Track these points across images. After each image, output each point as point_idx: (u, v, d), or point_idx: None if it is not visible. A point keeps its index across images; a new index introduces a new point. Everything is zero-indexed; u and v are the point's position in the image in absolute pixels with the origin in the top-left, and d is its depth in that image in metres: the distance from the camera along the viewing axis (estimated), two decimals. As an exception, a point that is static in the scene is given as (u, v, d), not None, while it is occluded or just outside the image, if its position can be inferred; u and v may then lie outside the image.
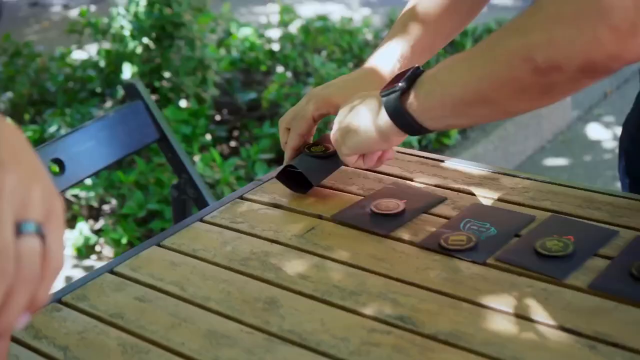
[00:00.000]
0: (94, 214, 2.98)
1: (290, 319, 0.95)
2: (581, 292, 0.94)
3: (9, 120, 0.61)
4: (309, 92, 1.26)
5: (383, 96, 1.04)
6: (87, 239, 2.75)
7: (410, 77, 1.02)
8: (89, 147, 1.63)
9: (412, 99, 1.01)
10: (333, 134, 1.13)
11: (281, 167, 1.25)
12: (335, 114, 1.18)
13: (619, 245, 1.03)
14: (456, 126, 1.11)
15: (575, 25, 0.83)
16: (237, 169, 2.87)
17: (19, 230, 0.53)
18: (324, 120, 1.38)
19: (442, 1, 1.25)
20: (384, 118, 1.05)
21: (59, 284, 0.98)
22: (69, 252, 2.79)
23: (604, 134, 3.89)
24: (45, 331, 0.98)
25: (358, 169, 1.24)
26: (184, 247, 1.13)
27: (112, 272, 1.09)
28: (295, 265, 1.06)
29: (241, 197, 1.26)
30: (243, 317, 0.96)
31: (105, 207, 2.97)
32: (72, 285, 1.07)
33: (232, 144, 3.33)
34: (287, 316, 0.95)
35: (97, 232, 2.83)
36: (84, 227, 2.79)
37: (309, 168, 1.21)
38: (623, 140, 1.33)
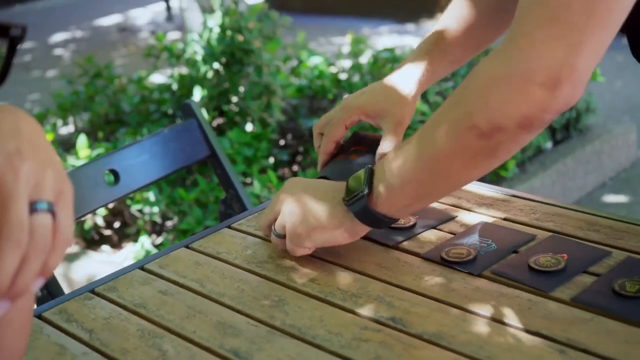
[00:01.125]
0: (157, 229, 3.13)
1: (293, 315, 1.04)
2: (563, 304, 1.01)
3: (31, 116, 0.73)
4: (342, 100, 1.34)
5: (349, 205, 1.07)
6: (147, 252, 2.90)
7: (368, 179, 1.06)
8: (143, 160, 1.75)
9: (376, 199, 1.05)
10: (293, 227, 1.13)
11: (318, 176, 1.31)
12: (366, 120, 1.28)
13: (610, 265, 1.09)
14: (423, 207, 1.18)
15: (507, 86, 0.91)
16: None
17: (33, 208, 0.64)
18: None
19: (475, 12, 1.29)
20: (353, 221, 1.08)
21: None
22: (131, 260, 2.95)
23: (671, 172, 3.87)
24: (75, 316, 1.10)
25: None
26: (209, 250, 1.24)
27: (142, 268, 1.21)
28: (306, 270, 1.15)
29: (268, 208, 1.37)
30: (251, 311, 1.06)
31: (168, 223, 3.12)
32: (105, 278, 1.19)
33: (294, 168, 3.44)
34: (291, 312, 1.05)
35: (158, 247, 2.98)
36: (145, 241, 2.94)
37: (339, 175, 1.26)
38: None
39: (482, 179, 1.27)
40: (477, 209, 1.29)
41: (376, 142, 1.27)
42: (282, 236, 1.15)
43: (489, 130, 0.94)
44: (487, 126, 0.94)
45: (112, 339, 1.03)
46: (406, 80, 1.28)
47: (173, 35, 7.06)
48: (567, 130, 4.09)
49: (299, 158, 3.51)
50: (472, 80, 0.97)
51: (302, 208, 1.12)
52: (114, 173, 1.69)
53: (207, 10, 3.95)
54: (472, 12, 1.29)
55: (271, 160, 3.30)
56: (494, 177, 3.34)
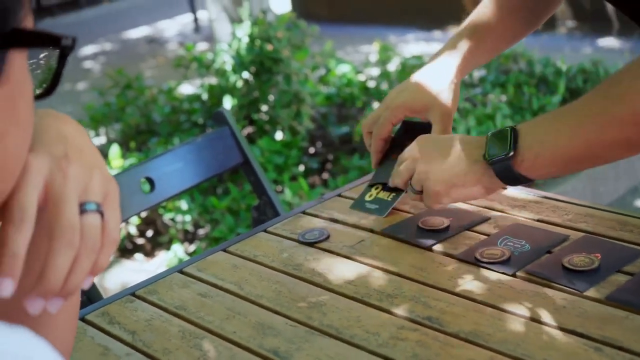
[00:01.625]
0: (189, 237, 3.16)
1: (330, 316, 1.06)
2: (598, 303, 1.02)
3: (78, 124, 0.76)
4: (387, 97, 1.37)
5: (493, 163, 1.09)
6: (180, 260, 2.93)
7: (513, 141, 1.07)
8: (177, 167, 1.78)
9: (521, 162, 1.06)
10: (432, 187, 1.15)
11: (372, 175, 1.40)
12: (412, 116, 1.32)
13: (643, 264, 1.10)
14: (565, 175, 1.22)
15: None
16: (322, 199, 3.01)
17: (82, 209, 0.67)
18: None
19: (508, 6, 1.32)
20: (492, 178, 1.10)
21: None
22: (163, 268, 2.98)
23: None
24: (118, 318, 1.12)
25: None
26: (246, 253, 1.26)
27: (181, 272, 1.23)
28: (342, 272, 1.17)
29: (304, 212, 1.39)
30: (289, 312, 1.08)
31: (200, 232, 3.15)
32: (145, 282, 1.22)
33: (324, 175, 3.47)
34: (329, 313, 1.07)
35: (190, 255, 3.01)
36: (178, 249, 2.97)
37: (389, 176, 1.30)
38: None
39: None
40: (509, 210, 1.30)
41: (426, 129, 1.30)
42: (419, 192, 1.18)
43: None
44: None
45: (155, 340, 1.06)
46: (445, 69, 1.32)
47: (201, 47, 7.12)
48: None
49: (329, 166, 3.53)
50: (636, 77, 0.97)
51: (440, 166, 1.15)
52: (150, 181, 1.72)
53: (235, 20, 3.98)
54: (509, 4, 1.32)
55: (301, 168, 3.33)
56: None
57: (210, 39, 6.67)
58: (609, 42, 5.95)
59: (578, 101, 1.04)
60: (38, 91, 0.65)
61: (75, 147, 0.69)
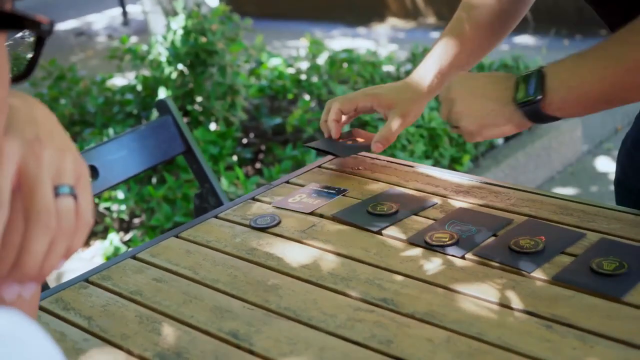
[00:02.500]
0: (124, 226, 3.14)
1: (287, 299, 1.08)
2: (545, 283, 1.06)
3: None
4: (361, 89, 1.48)
5: (522, 106, 1.16)
6: (116, 249, 2.91)
7: (541, 84, 1.13)
8: (121, 156, 1.77)
9: (549, 105, 1.14)
10: (466, 125, 1.23)
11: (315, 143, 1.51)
12: (377, 109, 1.43)
13: (585, 246, 1.15)
14: (591, 113, 1.26)
15: None
16: (258, 187, 3.03)
17: (56, 192, 0.66)
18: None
19: (477, 23, 1.42)
20: (521, 119, 1.17)
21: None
22: (100, 259, 2.95)
23: (612, 166, 3.99)
24: (72, 304, 1.12)
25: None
26: (199, 239, 1.27)
27: (134, 257, 1.23)
28: (295, 256, 1.19)
29: (253, 199, 1.40)
30: (246, 296, 1.10)
31: (136, 221, 3.13)
32: (98, 268, 1.21)
33: (257, 165, 3.48)
34: (285, 296, 1.09)
35: (127, 243, 2.99)
36: (114, 238, 2.95)
37: (332, 147, 1.46)
38: (620, 154, 1.44)
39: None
40: (454, 196, 1.34)
41: (364, 148, 1.45)
42: (457, 127, 1.25)
43: None
44: None
45: (112, 325, 1.06)
46: (419, 83, 1.43)
47: (131, 40, 7.03)
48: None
49: (261, 156, 3.55)
50: None
51: (472, 107, 1.22)
52: (93, 169, 1.71)
53: (170, 13, 3.96)
54: (479, 20, 1.42)
55: (235, 158, 3.33)
56: (451, 172, 3.42)
57: (140, 32, 6.60)
58: (525, 39, 6.10)
59: (597, 47, 1.11)
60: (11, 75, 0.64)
61: (46, 129, 0.68)
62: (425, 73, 1.43)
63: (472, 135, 1.24)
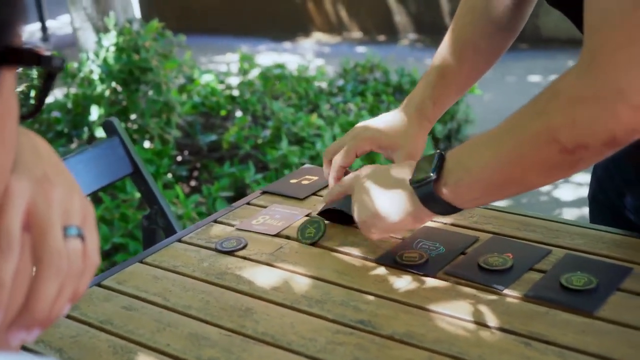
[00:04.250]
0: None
1: (263, 324, 1.07)
2: (518, 300, 1.08)
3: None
4: (354, 129, 1.36)
5: (415, 187, 1.08)
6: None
7: (438, 165, 1.06)
8: (67, 179, 1.73)
9: (443, 187, 1.05)
10: (359, 216, 1.16)
11: (324, 206, 1.33)
12: (377, 151, 1.33)
13: (552, 261, 1.17)
14: (490, 202, 1.20)
15: (596, 106, 0.91)
16: (198, 206, 3.00)
17: (64, 234, 0.65)
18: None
19: (472, 43, 1.34)
20: (417, 205, 1.09)
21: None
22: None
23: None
24: (41, 336, 1.08)
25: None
26: (165, 264, 1.25)
27: (99, 285, 1.20)
28: (266, 279, 1.18)
29: (215, 221, 1.39)
30: (221, 322, 1.08)
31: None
32: (63, 297, 1.17)
33: (192, 183, 3.45)
34: (261, 321, 1.07)
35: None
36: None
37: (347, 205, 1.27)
38: (597, 167, 1.42)
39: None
40: (418, 215, 1.35)
41: None
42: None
43: (573, 147, 0.93)
44: (571, 144, 0.93)
45: (85, 357, 1.03)
46: (418, 113, 1.33)
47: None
48: (449, 140, 4.27)
49: (196, 173, 3.52)
50: (555, 95, 0.96)
51: (369, 198, 1.13)
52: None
53: (100, 29, 3.90)
54: (473, 39, 1.34)
55: (169, 176, 3.30)
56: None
57: (60, 48, 6.47)
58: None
59: (503, 122, 1.02)
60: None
61: (52, 167, 0.66)
62: (424, 101, 1.33)
63: (367, 226, 1.15)
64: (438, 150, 1.09)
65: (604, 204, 1.38)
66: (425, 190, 1.06)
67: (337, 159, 1.33)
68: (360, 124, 1.38)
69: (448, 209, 1.08)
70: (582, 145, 0.93)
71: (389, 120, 1.34)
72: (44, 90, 0.61)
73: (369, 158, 3.18)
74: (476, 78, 1.38)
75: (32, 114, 0.62)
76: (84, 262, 0.65)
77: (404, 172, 1.12)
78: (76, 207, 0.65)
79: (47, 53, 0.58)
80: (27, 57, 0.56)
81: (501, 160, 1.01)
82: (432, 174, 1.05)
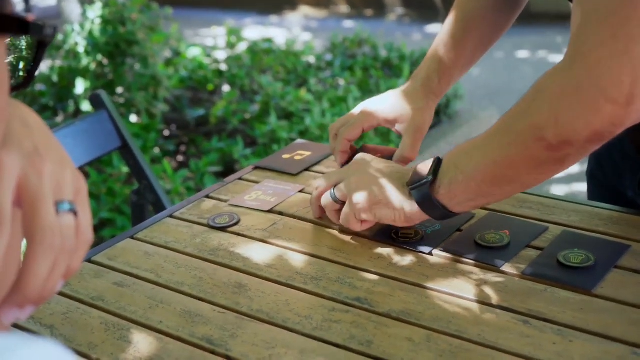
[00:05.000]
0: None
1: (258, 301, 1.05)
2: (515, 277, 1.07)
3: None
4: (362, 104, 1.36)
5: (412, 189, 1.09)
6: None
7: (435, 168, 1.07)
8: (54, 153, 1.70)
9: (438, 188, 1.07)
10: (354, 198, 1.14)
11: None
12: (385, 126, 1.32)
13: (549, 239, 1.16)
14: (484, 205, 1.19)
15: (578, 103, 0.92)
16: (186, 181, 2.97)
17: (57, 209, 0.62)
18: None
19: (477, 16, 1.33)
20: (413, 206, 1.10)
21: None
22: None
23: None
24: (32, 313, 1.06)
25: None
26: (157, 240, 1.23)
27: (90, 261, 1.18)
28: (260, 255, 1.16)
29: (207, 196, 1.37)
30: (215, 299, 1.06)
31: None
32: (53, 273, 1.15)
33: (180, 158, 3.42)
34: (255, 298, 1.06)
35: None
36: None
37: None
38: None
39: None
40: (413, 191, 1.33)
41: (388, 154, 1.32)
42: (339, 202, 1.16)
43: (558, 143, 0.95)
44: (556, 140, 0.95)
45: (76, 334, 1.01)
46: (423, 90, 1.32)
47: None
48: (437, 115, 4.26)
49: (183, 148, 3.49)
50: (538, 94, 0.97)
51: (370, 182, 1.13)
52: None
53: (86, 1, 3.84)
54: (478, 13, 1.33)
55: (157, 150, 3.27)
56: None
57: (42, 20, 6.39)
58: (436, 28, 6.20)
59: (495, 123, 1.04)
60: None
61: (43, 140, 0.63)
62: (430, 75, 1.33)
63: (361, 210, 1.13)
64: (437, 156, 1.10)
65: (602, 183, 1.38)
66: (422, 192, 1.08)
67: (344, 132, 1.32)
68: (368, 100, 1.37)
69: (443, 212, 1.09)
70: (566, 141, 0.95)
71: (395, 94, 1.34)
72: (35, 61, 0.58)
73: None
74: (483, 51, 1.38)
75: (22, 85, 0.59)
76: (77, 238, 0.62)
77: (403, 171, 1.14)
78: (68, 181, 0.63)
79: (38, 21, 0.55)
80: (17, 25, 0.53)
81: (491, 159, 1.02)
82: (429, 177, 1.07)
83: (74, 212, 0.62)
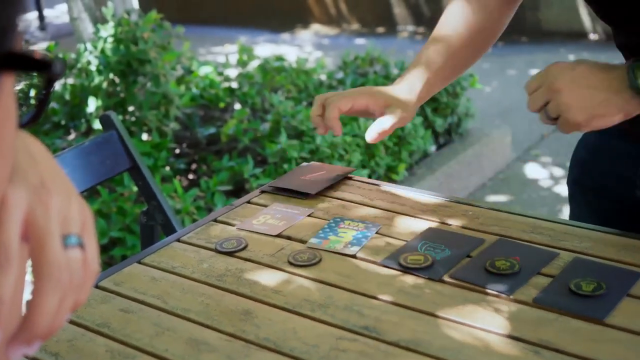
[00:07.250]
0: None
1: (265, 328, 1.04)
2: (526, 306, 1.05)
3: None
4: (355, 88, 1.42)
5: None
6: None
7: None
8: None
9: None
10: (570, 116, 1.16)
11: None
12: (372, 108, 1.35)
13: (560, 265, 1.14)
14: None
15: None
16: (196, 200, 2.96)
17: (64, 243, 0.61)
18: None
19: (461, 38, 1.38)
20: (636, 107, 1.13)
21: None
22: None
23: (541, 173, 4.08)
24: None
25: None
26: (164, 265, 1.22)
27: (96, 286, 1.17)
28: (267, 281, 1.15)
29: (215, 220, 1.36)
30: (221, 326, 1.05)
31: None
32: (59, 298, 1.14)
33: (190, 176, 3.42)
34: (262, 326, 1.05)
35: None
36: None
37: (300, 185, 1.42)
38: (578, 152, 1.45)
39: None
40: (423, 215, 1.32)
41: (331, 171, 1.46)
42: (554, 119, 1.17)
43: None
44: None
45: (81, 361, 1.00)
46: (409, 90, 1.37)
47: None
48: (449, 134, 4.24)
49: (194, 166, 3.48)
50: None
51: (582, 98, 1.15)
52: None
53: (98, 20, 3.86)
54: (460, 35, 1.38)
55: (167, 169, 3.26)
56: (386, 180, 3.42)
57: (57, 37, 6.42)
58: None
59: None
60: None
61: (49, 172, 0.63)
62: (415, 81, 1.37)
63: (579, 126, 1.16)
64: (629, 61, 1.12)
65: (588, 187, 1.42)
66: None
67: (335, 100, 1.35)
68: (361, 87, 1.43)
69: None
70: None
71: (385, 89, 1.39)
72: (45, 96, 0.57)
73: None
74: (460, 70, 1.44)
75: (32, 121, 0.58)
76: (84, 271, 0.62)
77: (609, 75, 1.15)
78: (75, 213, 0.62)
79: (47, 58, 0.54)
80: (27, 62, 0.53)
81: None
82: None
83: (81, 246, 0.62)
